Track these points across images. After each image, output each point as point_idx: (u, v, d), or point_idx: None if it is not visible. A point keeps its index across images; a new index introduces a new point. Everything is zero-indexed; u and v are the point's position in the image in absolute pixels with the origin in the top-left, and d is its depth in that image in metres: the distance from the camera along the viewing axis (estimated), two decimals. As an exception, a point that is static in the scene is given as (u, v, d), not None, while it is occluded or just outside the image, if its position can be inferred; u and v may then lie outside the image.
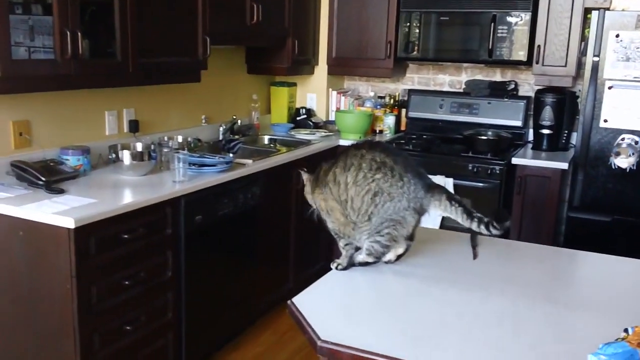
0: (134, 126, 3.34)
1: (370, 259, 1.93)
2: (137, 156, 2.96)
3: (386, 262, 1.98)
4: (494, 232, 1.80)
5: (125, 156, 2.92)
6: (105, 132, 3.26)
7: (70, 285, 2.35)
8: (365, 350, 1.44)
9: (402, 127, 4.68)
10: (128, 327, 2.60)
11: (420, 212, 1.87)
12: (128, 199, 2.61)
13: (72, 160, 2.89)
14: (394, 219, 1.85)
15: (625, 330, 1.41)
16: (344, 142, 4.21)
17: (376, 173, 1.85)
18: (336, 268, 1.95)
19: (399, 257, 1.98)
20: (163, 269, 2.78)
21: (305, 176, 2.10)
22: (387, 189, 1.84)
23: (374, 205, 1.85)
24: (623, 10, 3.48)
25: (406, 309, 1.69)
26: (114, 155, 2.98)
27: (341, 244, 1.98)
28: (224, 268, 3.23)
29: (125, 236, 2.53)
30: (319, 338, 1.50)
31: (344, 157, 1.93)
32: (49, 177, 2.67)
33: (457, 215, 1.84)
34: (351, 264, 1.96)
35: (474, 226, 1.81)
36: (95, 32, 2.83)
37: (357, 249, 1.97)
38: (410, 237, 1.97)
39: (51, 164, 2.80)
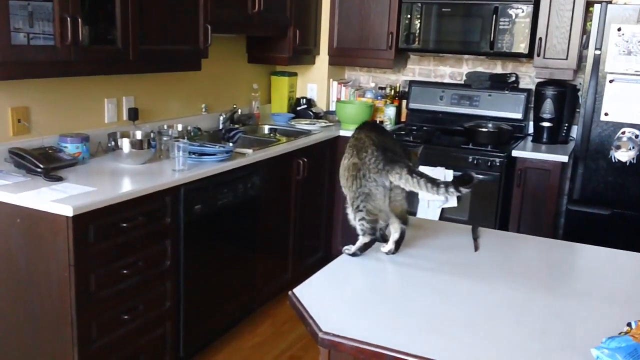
0: (134, 114, 3.32)
1: (366, 239, 1.97)
2: (136, 144, 2.95)
3: (387, 253, 1.98)
4: (463, 190, 1.80)
5: (125, 144, 2.90)
6: (105, 119, 3.24)
7: (68, 273, 2.33)
8: (367, 342, 1.44)
9: (403, 119, 4.66)
10: (126, 316, 2.59)
11: (384, 185, 1.91)
12: (127, 188, 2.60)
13: (70, 148, 2.87)
14: (364, 192, 1.93)
15: (629, 324, 1.41)
16: (344, 133, 4.20)
17: (354, 150, 1.98)
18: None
19: (397, 244, 1.99)
20: (162, 258, 2.77)
21: None
22: (354, 160, 1.96)
23: (345, 179, 1.99)
24: (625, 3, 3.46)
25: (408, 301, 1.69)
26: (113, 143, 2.95)
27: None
28: (223, 258, 3.22)
29: (124, 225, 2.52)
30: (320, 330, 1.49)
31: None
32: (47, 164, 2.65)
33: (420, 187, 1.85)
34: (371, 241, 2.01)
35: (442, 192, 1.82)
36: (96, 18, 2.81)
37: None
38: (404, 221, 2.00)
39: (50, 151, 2.78)
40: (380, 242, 2.03)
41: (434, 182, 1.84)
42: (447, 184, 1.82)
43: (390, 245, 1.99)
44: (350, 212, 2.00)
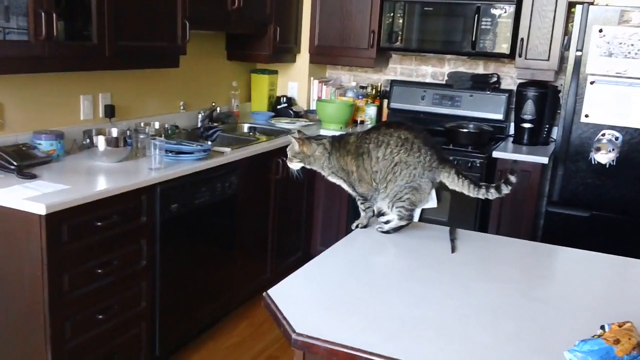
0: (110, 111, 3.28)
1: (403, 222, 2.19)
2: (112, 142, 2.90)
3: (379, 229, 2.21)
4: (504, 190, 2.11)
5: (100, 142, 2.85)
6: (80, 116, 3.18)
7: (41, 272, 2.29)
8: (341, 343, 1.41)
9: (384, 118, 4.65)
10: (100, 316, 2.56)
11: (433, 181, 2.14)
12: (102, 186, 2.55)
13: (45, 145, 2.82)
14: (412, 186, 2.13)
15: (602, 327, 1.40)
16: (324, 132, 4.17)
17: (401, 148, 2.14)
18: (356, 227, 2.24)
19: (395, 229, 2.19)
20: (137, 257, 2.73)
21: (298, 139, 2.41)
22: (405, 158, 2.13)
23: (393, 173, 2.14)
24: (607, 5, 3.47)
25: (383, 302, 1.67)
26: (88, 141, 2.92)
27: (362, 206, 2.26)
28: (200, 257, 3.19)
29: (99, 224, 2.48)
30: (293, 331, 1.47)
31: (375, 134, 2.19)
32: (20, 161, 2.61)
33: (463, 187, 2.11)
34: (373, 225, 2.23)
35: (482, 193, 2.11)
36: (72, 13, 2.76)
37: (379, 214, 2.26)
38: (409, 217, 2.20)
39: (23, 148, 2.73)
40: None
41: (475, 184, 2.12)
42: (487, 187, 2.11)
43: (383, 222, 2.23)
44: (382, 198, 2.18)
